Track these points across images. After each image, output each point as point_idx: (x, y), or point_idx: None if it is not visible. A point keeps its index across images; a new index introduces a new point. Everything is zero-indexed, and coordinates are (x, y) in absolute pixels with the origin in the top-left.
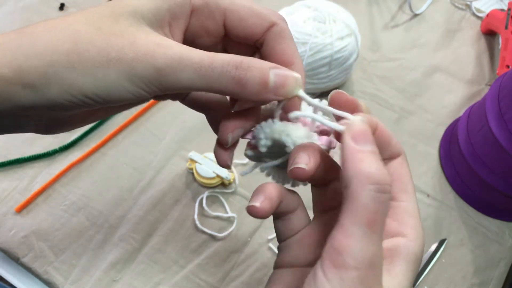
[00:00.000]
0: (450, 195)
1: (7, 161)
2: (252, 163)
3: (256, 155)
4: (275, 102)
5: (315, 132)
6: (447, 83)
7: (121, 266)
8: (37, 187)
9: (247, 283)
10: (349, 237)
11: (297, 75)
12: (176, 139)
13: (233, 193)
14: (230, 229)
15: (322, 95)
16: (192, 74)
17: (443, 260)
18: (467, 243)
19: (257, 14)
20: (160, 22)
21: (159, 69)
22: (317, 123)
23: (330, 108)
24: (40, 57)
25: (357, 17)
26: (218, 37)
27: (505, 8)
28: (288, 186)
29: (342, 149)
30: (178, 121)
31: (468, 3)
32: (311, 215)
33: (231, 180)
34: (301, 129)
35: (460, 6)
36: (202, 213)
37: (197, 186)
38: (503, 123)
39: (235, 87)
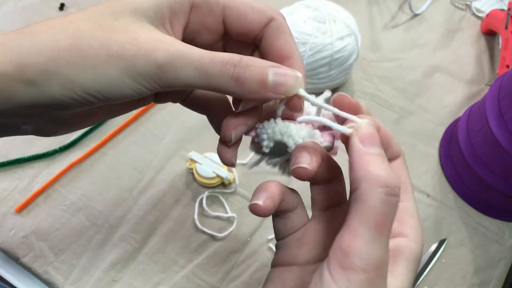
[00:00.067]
0: (450, 195)
1: (7, 161)
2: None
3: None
4: (277, 100)
5: (317, 128)
6: (447, 83)
7: (121, 266)
8: (37, 187)
9: (247, 283)
10: (357, 239)
11: (297, 73)
12: (176, 139)
13: (233, 193)
14: (230, 229)
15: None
16: (192, 71)
17: (443, 260)
18: (467, 243)
19: (255, 10)
20: (160, 19)
21: (160, 65)
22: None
23: (332, 108)
24: (41, 53)
25: (357, 17)
26: (217, 34)
27: (505, 8)
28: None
29: (350, 152)
30: (178, 121)
31: (468, 3)
32: (309, 214)
33: (231, 180)
34: (304, 129)
35: (460, 6)
36: (202, 213)
37: (197, 186)
38: (503, 123)
39: (234, 86)
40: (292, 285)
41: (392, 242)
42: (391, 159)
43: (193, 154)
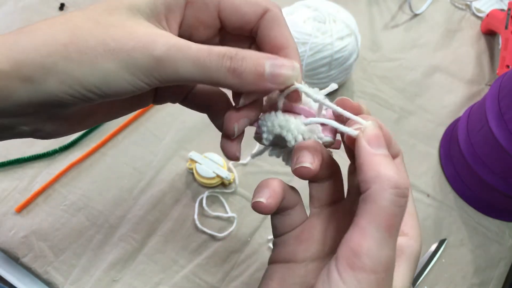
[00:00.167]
0: (450, 195)
1: (7, 161)
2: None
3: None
4: (278, 92)
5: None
6: (447, 83)
7: (121, 266)
8: (37, 187)
9: (247, 283)
10: (367, 239)
11: (294, 63)
12: (176, 139)
13: (233, 193)
14: (230, 229)
15: None
16: (190, 65)
17: (443, 260)
18: (467, 243)
19: (250, 2)
20: (156, 16)
21: (158, 59)
22: (323, 113)
23: (332, 104)
24: (37, 50)
25: (357, 17)
26: (214, 29)
27: (505, 8)
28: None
29: (358, 153)
30: (178, 121)
31: (468, 3)
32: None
33: (231, 180)
34: (303, 123)
35: (460, 6)
36: (202, 213)
37: (197, 186)
38: (503, 123)
39: (232, 78)
40: (291, 282)
41: None
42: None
43: (193, 154)
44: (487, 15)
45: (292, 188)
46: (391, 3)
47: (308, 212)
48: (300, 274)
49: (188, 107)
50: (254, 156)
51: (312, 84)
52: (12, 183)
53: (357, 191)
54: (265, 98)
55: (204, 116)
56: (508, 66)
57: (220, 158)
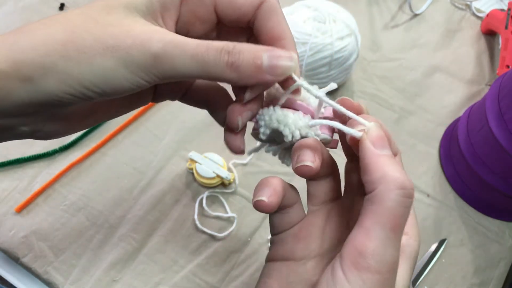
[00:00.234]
0: (450, 195)
1: (7, 161)
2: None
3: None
4: (278, 87)
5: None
6: (447, 83)
7: (121, 266)
8: (37, 187)
9: (247, 283)
10: (372, 240)
11: (292, 54)
12: (176, 139)
13: (233, 193)
14: (230, 229)
15: None
16: (188, 61)
17: (443, 260)
18: (467, 243)
19: None
20: (152, 14)
21: (156, 55)
22: (322, 111)
23: (332, 102)
24: (36, 49)
25: (357, 17)
26: (210, 24)
27: (505, 8)
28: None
29: (363, 154)
30: (178, 121)
31: (468, 3)
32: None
33: (231, 180)
34: (302, 119)
35: (460, 6)
36: (202, 213)
37: (197, 186)
38: (503, 123)
39: (230, 72)
40: (290, 280)
41: None
42: None
43: (193, 154)
44: (487, 15)
45: (291, 186)
46: (391, 3)
47: (306, 210)
48: (299, 272)
49: (187, 104)
50: (251, 152)
51: (312, 84)
52: (12, 183)
53: (355, 189)
54: (265, 93)
55: (204, 116)
56: (508, 66)
57: (220, 158)
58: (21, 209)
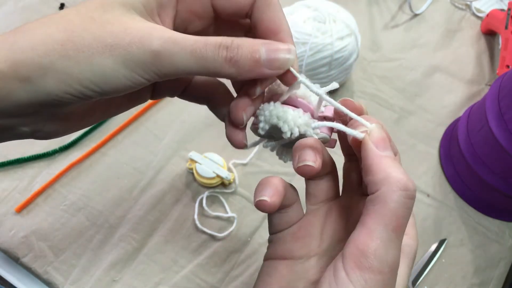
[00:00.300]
0: (450, 195)
1: (7, 161)
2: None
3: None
4: (280, 82)
5: (316, 119)
6: (447, 83)
7: (121, 266)
8: (37, 187)
9: (247, 283)
10: (375, 240)
11: (290, 46)
12: (176, 139)
13: (233, 193)
14: (230, 229)
15: None
16: (187, 57)
17: (443, 260)
18: (467, 243)
19: None
20: (150, 12)
21: (154, 52)
22: (321, 109)
23: (332, 100)
24: (35, 49)
25: (357, 17)
26: (208, 19)
27: (505, 8)
28: (290, 163)
29: (365, 155)
30: (178, 121)
31: (468, 3)
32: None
33: (231, 180)
34: (301, 117)
35: (460, 6)
36: (202, 213)
37: (197, 186)
38: (503, 123)
39: (229, 67)
40: (289, 278)
41: None
42: None
43: (193, 154)
44: (487, 15)
45: (291, 186)
46: (391, 3)
47: (304, 210)
48: (298, 271)
49: (187, 100)
50: (251, 146)
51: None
52: (12, 183)
53: (354, 188)
54: (266, 89)
55: (204, 116)
56: (508, 66)
57: (220, 158)
58: (21, 209)
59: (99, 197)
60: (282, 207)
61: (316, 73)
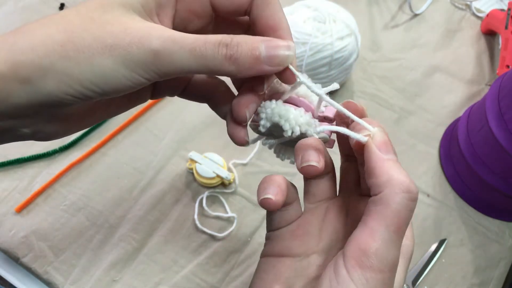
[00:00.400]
0: (450, 195)
1: (7, 161)
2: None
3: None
4: (276, 80)
5: (317, 118)
6: (447, 83)
7: (121, 266)
8: (37, 187)
9: (247, 283)
10: (376, 240)
11: (289, 43)
12: (176, 139)
13: (233, 193)
14: (230, 229)
15: None
16: (187, 56)
17: (443, 260)
18: (467, 243)
19: None
20: (148, 12)
21: (154, 52)
22: (322, 109)
23: (333, 101)
24: (34, 50)
25: (357, 17)
26: (207, 18)
27: (505, 8)
28: (288, 161)
29: (369, 158)
30: (178, 121)
31: (468, 3)
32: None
33: (231, 180)
34: (303, 116)
35: (460, 6)
36: (202, 213)
37: (197, 186)
38: (503, 123)
39: (229, 65)
40: (287, 275)
41: None
42: None
43: (193, 154)
44: (487, 15)
45: (292, 184)
46: (391, 3)
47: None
48: (296, 268)
49: (187, 99)
50: (251, 143)
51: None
52: (12, 183)
53: (352, 188)
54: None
55: (204, 116)
56: (508, 66)
57: (220, 158)
58: (21, 209)
59: (99, 197)
60: (283, 205)
61: (316, 73)
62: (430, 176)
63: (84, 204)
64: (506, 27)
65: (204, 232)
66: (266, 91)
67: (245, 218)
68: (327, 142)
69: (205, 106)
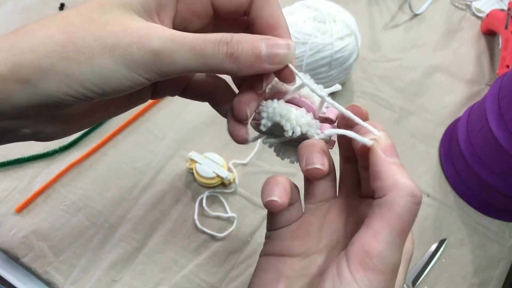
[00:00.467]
0: (450, 195)
1: (7, 161)
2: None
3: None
4: (276, 79)
5: (318, 119)
6: (447, 83)
7: (121, 266)
8: (37, 187)
9: (247, 283)
10: (380, 242)
11: (289, 41)
12: (176, 139)
13: (233, 193)
14: (230, 229)
15: None
16: (187, 55)
17: (443, 260)
18: (467, 243)
19: None
20: (148, 12)
21: (154, 51)
22: (323, 110)
23: (335, 103)
24: (35, 50)
25: (357, 17)
26: (207, 18)
27: (505, 8)
28: (287, 161)
29: (374, 161)
30: (178, 121)
31: (468, 3)
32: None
33: (231, 180)
34: (304, 116)
35: (460, 6)
36: (202, 213)
37: (197, 186)
38: (503, 123)
39: (229, 63)
40: (287, 275)
41: None
42: None
43: (193, 154)
44: (487, 15)
45: (294, 185)
46: (391, 3)
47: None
48: (295, 268)
49: (188, 98)
50: (251, 141)
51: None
52: (12, 183)
53: (351, 189)
54: (269, 86)
55: (204, 116)
56: (508, 66)
57: (220, 158)
58: (21, 209)
59: (99, 197)
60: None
61: (316, 73)
62: (430, 176)
63: (84, 204)
64: (506, 27)
65: (204, 232)
66: (265, 90)
67: (245, 218)
68: (328, 143)
69: (205, 106)
